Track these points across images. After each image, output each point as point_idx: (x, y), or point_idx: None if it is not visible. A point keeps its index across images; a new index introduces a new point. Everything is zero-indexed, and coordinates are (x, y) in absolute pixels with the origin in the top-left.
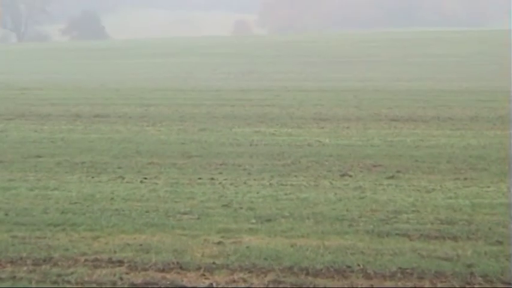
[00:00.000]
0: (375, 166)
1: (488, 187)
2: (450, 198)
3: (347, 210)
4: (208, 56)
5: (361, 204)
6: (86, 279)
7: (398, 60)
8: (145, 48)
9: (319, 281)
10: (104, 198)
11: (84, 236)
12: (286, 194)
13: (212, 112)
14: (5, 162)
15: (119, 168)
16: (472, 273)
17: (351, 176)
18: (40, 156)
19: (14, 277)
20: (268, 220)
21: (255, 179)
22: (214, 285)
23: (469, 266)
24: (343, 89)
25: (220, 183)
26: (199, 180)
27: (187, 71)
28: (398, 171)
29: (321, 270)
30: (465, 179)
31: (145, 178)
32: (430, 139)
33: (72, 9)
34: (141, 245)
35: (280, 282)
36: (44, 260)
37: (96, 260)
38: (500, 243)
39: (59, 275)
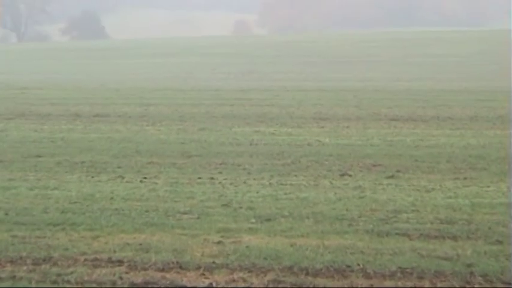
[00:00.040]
0: (374, 166)
1: (488, 187)
2: (450, 197)
3: (347, 210)
4: (208, 56)
5: (361, 203)
6: (86, 278)
7: (398, 60)
8: (145, 48)
9: (319, 281)
10: (103, 198)
11: (83, 236)
12: (285, 194)
13: (212, 112)
14: (5, 162)
15: (119, 167)
16: (471, 273)
17: (350, 175)
18: (40, 156)
19: (14, 277)
20: (268, 220)
21: (254, 179)
22: (214, 284)
23: (469, 265)
24: (343, 88)
25: (220, 182)
26: (199, 180)
27: (187, 71)
28: (398, 171)
29: (321, 269)
30: (465, 178)
31: (145, 178)
32: (430, 139)
33: (72, 9)
34: (140, 244)
35: (280, 282)
36: (44, 260)
37: (96, 259)
38: (500, 242)
39: (59, 275)
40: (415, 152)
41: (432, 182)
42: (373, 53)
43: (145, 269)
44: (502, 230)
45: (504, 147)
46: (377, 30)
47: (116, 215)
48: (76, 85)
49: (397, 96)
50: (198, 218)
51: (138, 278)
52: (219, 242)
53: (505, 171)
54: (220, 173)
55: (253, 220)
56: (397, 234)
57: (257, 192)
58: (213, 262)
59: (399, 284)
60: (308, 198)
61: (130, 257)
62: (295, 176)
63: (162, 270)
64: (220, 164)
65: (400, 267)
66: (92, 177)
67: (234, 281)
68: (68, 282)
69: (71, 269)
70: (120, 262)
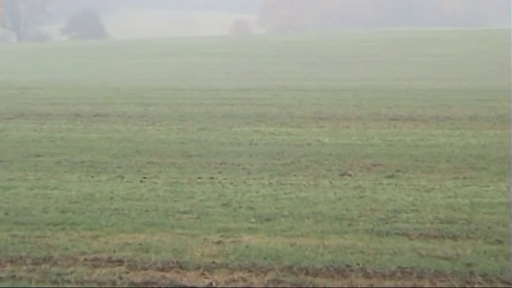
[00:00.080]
0: (374, 165)
1: (488, 186)
2: (450, 197)
3: (347, 210)
4: (208, 55)
5: (361, 203)
6: (86, 278)
7: (397, 59)
8: (145, 47)
9: (319, 280)
10: (103, 198)
11: (83, 235)
12: (285, 193)
13: (211, 111)
14: (4, 162)
15: (119, 167)
16: (471, 273)
17: (350, 175)
18: (40, 156)
19: (14, 276)
20: (268, 219)
21: (254, 178)
22: (214, 284)
23: (469, 265)
24: (343, 88)
25: (219, 182)
26: (198, 180)
27: (187, 71)
28: (397, 171)
29: (321, 269)
30: (465, 178)
31: (145, 177)
32: (430, 138)
33: (72, 9)
34: (140, 244)
35: (279, 282)
36: (44, 259)
37: (96, 259)
38: (499, 242)
39: (59, 274)
40: (415, 151)
41: (432, 181)
42: (372, 53)
43: (145, 269)
44: (501, 229)
45: (504, 147)
46: (377, 30)
47: (115, 215)
48: (76, 85)
49: (397, 96)
50: (198, 217)
51: (138, 277)
52: (218, 242)
53: (505, 171)
54: (220, 172)
55: (253, 220)
56: (396, 234)
57: (257, 192)
58: (213, 262)
59: (399, 283)
60: (308, 198)
61: (130, 256)
62: (295, 175)
63: (162, 270)
64: (220, 163)
65: (399, 267)
66: (92, 177)
67: (233, 280)
68: (68, 282)
69: (70, 269)
70: (120, 262)
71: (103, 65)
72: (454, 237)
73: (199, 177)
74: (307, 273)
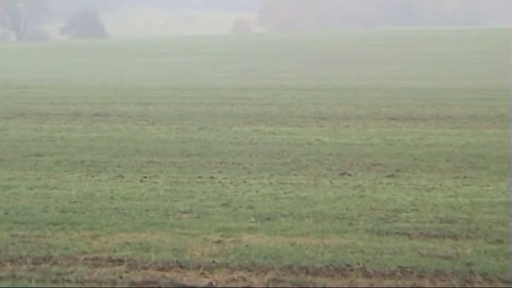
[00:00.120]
0: (374, 165)
1: (488, 186)
2: (450, 196)
3: (347, 209)
4: (208, 54)
5: (361, 203)
6: (86, 278)
7: (397, 58)
8: (145, 47)
9: (319, 280)
10: (103, 197)
11: (83, 235)
12: (285, 193)
13: (211, 111)
14: (4, 161)
15: (119, 167)
16: (471, 272)
17: (350, 174)
18: (40, 155)
19: (14, 276)
20: (268, 219)
21: (254, 178)
22: (214, 284)
23: (469, 264)
24: (343, 87)
25: (219, 182)
26: (198, 179)
27: (187, 70)
28: (397, 170)
29: (321, 269)
30: (465, 177)
31: (145, 177)
32: (430, 138)
33: (71, 8)
34: (140, 243)
35: (279, 281)
36: (44, 259)
37: (96, 258)
38: (499, 241)
39: (59, 274)
40: (415, 151)
41: (432, 181)
42: (372, 52)
43: (145, 268)
44: (501, 229)
45: (504, 146)
46: (376, 29)
47: (115, 214)
48: (75, 84)
49: (397, 95)
50: (198, 217)
51: (138, 277)
52: (218, 241)
53: (505, 170)
54: (220, 172)
55: (253, 219)
56: (397, 233)
57: (257, 192)
58: (213, 261)
59: (399, 283)
60: (308, 197)
61: (130, 256)
62: (295, 175)
63: (162, 269)
64: (220, 163)
65: (400, 266)
66: (92, 176)
67: (233, 280)
68: (68, 281)
69: (71, 268)
70: (120, 261)
71: (103, 64)
72: (454, 237)
73: (199, 177)
74: (307, 273)
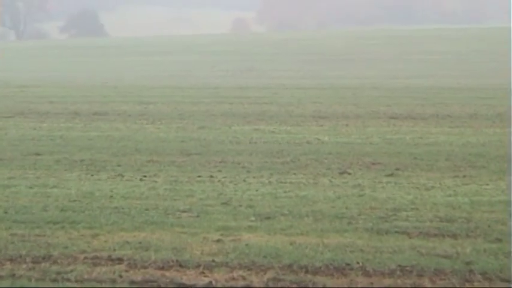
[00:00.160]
0: (373, 164)
1: (487, 185)
2: (449, 195)
3: (346, 208)
4: (207, 53)
5: (360, 202)
6: (86, 277)
7: (396, 57)
8: (144, 46)
9: (319, 279)
10: (103, 196)
11: (83, 234)
12: (285, 192)
13: (211, 110)
14: (4, 160)
15: (118, 166)
16: (471, 271)
17: (350, 173)
18: (39, 154)
19: (14, 275)
20: (268, 218)
21: (254, 177)
22: (214, 283)
23: (468, 263)
24: (342, 86)
25: (219, 181)
26: (198, 178)
27: (186, 69)
28: (397, 169)
29: (320, 268)
30: (464, 176)
31: (145, 176)
32: (429, 137)
33: (70, 7)
34: (140, 242)
35: (279, 280)
36: (44, 258)
37: (96, 257)
38: (499, 240)
39: (59, 273)
40: (414, 150)
41: (431, 180)
42: (372, 51)
43: (145, 267)
44: (501, 228)
45: (503, 145)
46: (376, 28)
47: (115, 213)
48: (75, 83)
49: (396, 94)
50: (198, 216)
51: (138, 276)
52: (218, 240)
53: (504, 169)
54: (220, 171)
55: (253, 218)
56: (396, 232)
57: (256, 191)
58: (213, 260)
59: (399, 282)
60: (307, 196)
61: (130, 255)
62: (295, 174)
63: (162, 268)
64: (220, 162)
65: (399, 265)
66: (92, 175)
67: (233, 279)
68: (68, 280)
69: (70, 267)
70: (119, 260)
71: (102, 63)
72: (453, 236)
73: (199, 176)
74: (306, 272)
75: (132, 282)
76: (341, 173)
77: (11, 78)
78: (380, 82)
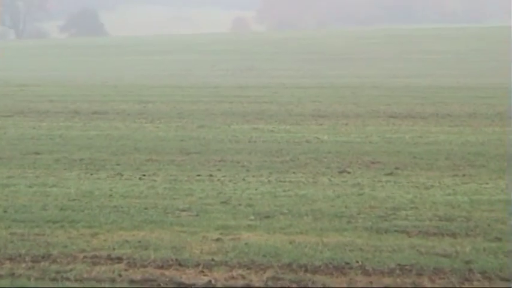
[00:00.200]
0: (373, 163)
1: (487, 184)
2: (449, 194)
3: (346, 207)
4: (207, 53)
5: (360, 200)
6: (85, 276)
7: (396, 56)
8: (144, 45)
9: (318, 278)
10: (102, 195)
11: (82, 233)
12: (284, 191)
13: (210, 109)
14: (3, 159)
15: (118, 165)
16: (470, 270)
17: (349, 172)
18: (39, 153)
19: (13, 274)
20: (267, 217)
21: (253, 176)
22: (213, 281)
23: (468, 262)
24: (342, 85)
25: (219, 180)
26: (198, 177)
27: (186, 68)
28: (396, 168)
29: (320, 267)
30: (464, 175)
31: (144, 175)
32: (429, 136)
33: (70, 6)
34: (139, 241)
35: (279, 279)
36: (43, 257)
37: (95, 256)
38: (499, 239)
39: (58, 272)
40: (414, 149)
41: (431, 179)
42: (371, 50)
43: (144, 266)
44: (500, 227)
45: (503, 144)
46: (375, 27)
47: (114, 212)
48: (74, 82)
49: (396, 93)
50: (197, 215)
51: (137, 275)
52: (218, 239)
53: (504, 168)
54: (219, 170)
55: (252, 217)
56: (396, 231)
57: (256, 190)
58: (212, 259)
59: (398, 281)
60: (307, 195)
61: (130, 254)
62: (294, 173)
63: (161, 267)
64: (219, 161)
65: (399, 264)
66: (91, 174)
67: (233, 278)
68: (67, 279)
69: (70, 266)
70: (119, 259)
71: (102, 63)
72: (453, 235)
73: (198, 175)
74: (306, 271)
75: (132, 281)
76: (340, 172)
77: (11, 77)
78: (380, 81)
